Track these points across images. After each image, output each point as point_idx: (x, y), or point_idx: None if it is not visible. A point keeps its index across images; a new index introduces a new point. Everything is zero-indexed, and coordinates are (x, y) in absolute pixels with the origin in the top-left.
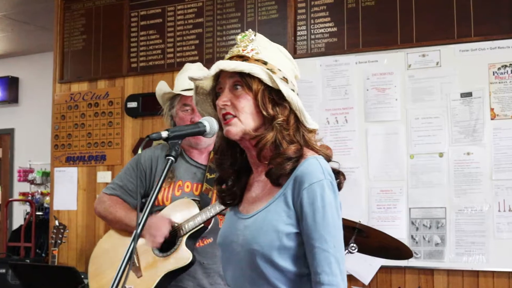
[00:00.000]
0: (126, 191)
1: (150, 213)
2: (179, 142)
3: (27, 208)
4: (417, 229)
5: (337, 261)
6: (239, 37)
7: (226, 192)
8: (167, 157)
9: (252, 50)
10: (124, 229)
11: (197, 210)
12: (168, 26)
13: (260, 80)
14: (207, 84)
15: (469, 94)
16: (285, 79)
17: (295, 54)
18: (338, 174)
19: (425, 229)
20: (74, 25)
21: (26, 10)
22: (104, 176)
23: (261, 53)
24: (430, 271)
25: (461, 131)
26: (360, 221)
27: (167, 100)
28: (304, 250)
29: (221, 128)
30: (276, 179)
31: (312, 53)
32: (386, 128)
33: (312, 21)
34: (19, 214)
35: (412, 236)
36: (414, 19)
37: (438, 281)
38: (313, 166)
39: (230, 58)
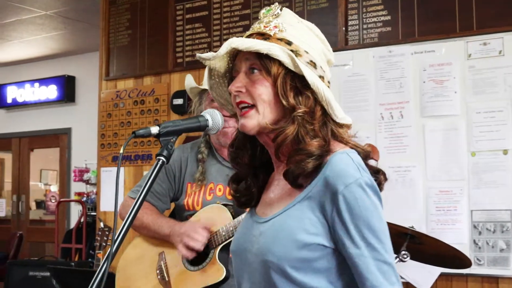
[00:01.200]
0: (153, 194)
1: (179, 218)
2: (173, 139)
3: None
4: (479, 233)
5: (393, 269)
6: (262, 11)
7: (242, 192)
8: (157, 157)
9: (275, 27)
10: (152, 236)
11: (229, 216)
12: (214, 19)
13: (281, 64)
14: (222, 65)
15: None
16: (313, 64)
17: (346, 45)
18: (378, 173)
19: (489, 234)
20: (119, 20)
21: (77, 7)
22: None
23: (286, 31)
24: (495, 279)
25: None
26: (412, 227)
27: (195, 95)
28: (328, 263)
29: (236, 118)
30: (294, 180)
31: (364, 43)
32: (445, 124)
33: (364, 10)
34: (75, 215)
35: (474, 241)
36: (474, 4)
37: None
38: (344, 162)
39: (249, 36)
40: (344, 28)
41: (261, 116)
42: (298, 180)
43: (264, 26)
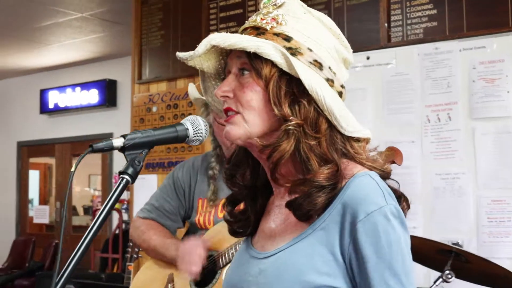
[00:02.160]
0: (163, 213)
1: (194, 237)
2: (143, 153)
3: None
4: None
5: None
6: (263, 1)
7: (237, 217)
8: (120, 176)
9: (273, 19)
10: (161, 259)
11: None
12: (249, 17)
13: (275, 64)
14: (211, 65)
15: None
16: (318, 64)
17: (388, 42)
18: (400, 199)
19: None
20: (152, 20)
21: (112, 9)
22: None
23: (286, 24)
24: None
25: None
26: (457, 243)
27: (201, 106)
28: None
29: None
30: (303, 216)
31: (409, 40)
32: (497, 126)
33: (408, 4)
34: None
35: None
36: None
37: None
38: (367, 187)
39: (244, 31)
40: (386, 24)
41: (248, 125)
42: (307, 216)
43: (261, 19)
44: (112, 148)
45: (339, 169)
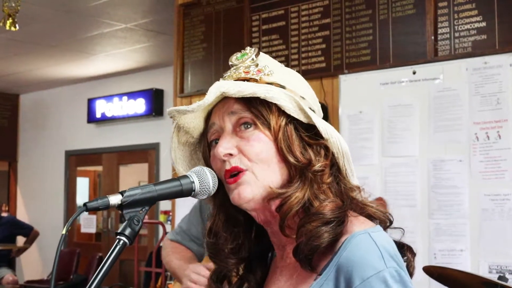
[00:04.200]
0: (189, 237)
1: None
2: (143, 210)
3: (168, 228)
4: None
5: None
6: (234, 57)
7: None
8: (117, 237)
9: (259, 71)
10: (180, 281)
11: None
12: (292, 30)
13: (280, 111)
14: (197, 126)
15: None
16: (313, 111)
17: (435, 56)
18: (403, 249)
19: None
20: (194, 33)
21: (155, 19)
22: None
23: (273, 75)
24: None
25: None
26: (504, 276)
27: None
28: None
29: (216, 194)
30: (308, 258)
31: (456, 54)
32: None
33: (456, 16)
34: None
35: None
36: None
37: None
38: (364, 248)
39: None
40: (433, 37)
41: (261, 181)
42: (312, 258)
43: (245, 72)
44: (108, 207)
45: (344, 203)
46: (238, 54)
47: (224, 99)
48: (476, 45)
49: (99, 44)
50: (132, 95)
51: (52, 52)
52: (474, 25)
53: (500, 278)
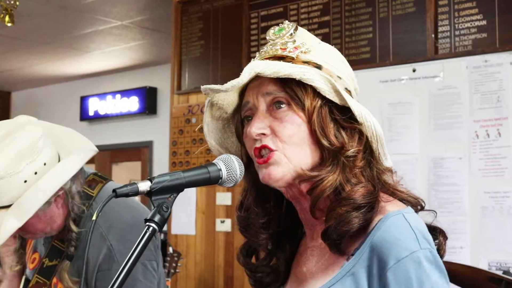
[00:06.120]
0: None
1: None
2: (172, 197)
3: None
4: None
5: None
6: (271, 32)
7: (262, 269)
8: (147, 224)
9: (296, 48)
10: None
11: None
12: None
13: (316, 92)
14: (231, 102)
15: None
16: (348, 92)
17: (435, 54)
18: (435, 232)
19: None
20: (192, 30)
21: (152, 17)
22: (224, 198)
23: (311, 52)
24: None
25: None
26: (509, 270)
27: None
28: None
29: (247, 170)
30: (336, 243)
31: (457, 52)
32: None
33: (456, 14)
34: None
35: None
36: None
37: None
38: (398, 229)
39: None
40: (433, 35)
41: (291, 161)
42: (341, 243)
43: (281, 49)
44: (137, 193)
45: (375, 188)
46: (276, 28)
47: (259, 77)
48: (477, 43)
49: (93, 42)
50: (125, 93)
51: (45, 49)
52: (474, 23)
53: (505, 273)
